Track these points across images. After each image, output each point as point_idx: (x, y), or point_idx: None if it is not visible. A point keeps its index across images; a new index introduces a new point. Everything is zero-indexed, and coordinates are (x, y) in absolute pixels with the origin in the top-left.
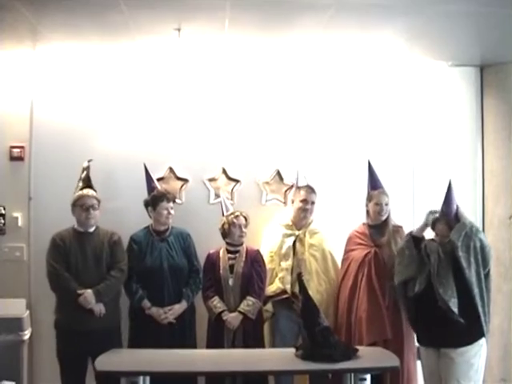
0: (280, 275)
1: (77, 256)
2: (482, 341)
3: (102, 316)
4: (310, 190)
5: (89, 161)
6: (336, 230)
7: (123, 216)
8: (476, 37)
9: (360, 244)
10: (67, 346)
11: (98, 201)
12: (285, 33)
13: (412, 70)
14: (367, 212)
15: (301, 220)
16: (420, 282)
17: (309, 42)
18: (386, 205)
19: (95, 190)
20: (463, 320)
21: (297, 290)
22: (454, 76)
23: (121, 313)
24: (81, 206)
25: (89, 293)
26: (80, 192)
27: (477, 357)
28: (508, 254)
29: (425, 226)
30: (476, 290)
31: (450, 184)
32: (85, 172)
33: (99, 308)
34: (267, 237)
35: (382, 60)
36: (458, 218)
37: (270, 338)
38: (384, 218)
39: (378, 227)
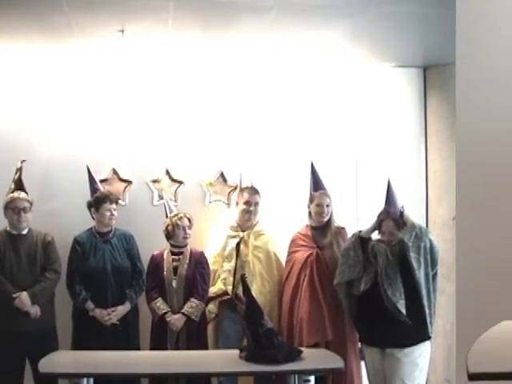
0: (222, 276)
1: (11, 258)
2: (428, 342)
3: (37, 317)
4: (253, 191)
5: (22, 161)
6: (283, 231)
7: (64, 217)
8: (419, 38)
9: (303, 246)
10: (3, 348)
11: (30, 203)
12: (228, 34)
13: (355, 71)
14: (309, 213)
15: (245, 222)
16: (365, 282)
17: (252, 44)
18: (328, 206)
19: (27, 192)
20: (410, 320)
21: (240, 291)
22: (398, 77)
23: (55, 313)
24: (12, 209)
25: (24, 295)
26: (11, 195)
27: (422, 357)
28: (451, 254)
29: (374, 228)
30: (424, 292)
31: (389, 183)
32: (18, 173)
33: (35, 310)
34: (212, 238)
35: (325, 61)
36: (403, 218)
37: (214, 340)
38: (326, 219)
39: (321, 229)
